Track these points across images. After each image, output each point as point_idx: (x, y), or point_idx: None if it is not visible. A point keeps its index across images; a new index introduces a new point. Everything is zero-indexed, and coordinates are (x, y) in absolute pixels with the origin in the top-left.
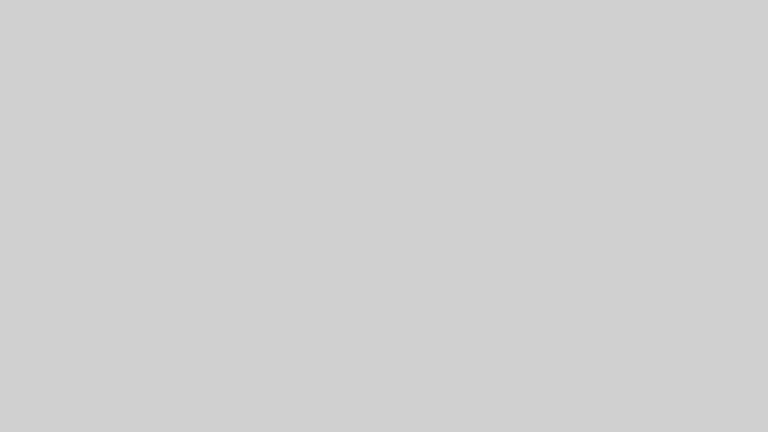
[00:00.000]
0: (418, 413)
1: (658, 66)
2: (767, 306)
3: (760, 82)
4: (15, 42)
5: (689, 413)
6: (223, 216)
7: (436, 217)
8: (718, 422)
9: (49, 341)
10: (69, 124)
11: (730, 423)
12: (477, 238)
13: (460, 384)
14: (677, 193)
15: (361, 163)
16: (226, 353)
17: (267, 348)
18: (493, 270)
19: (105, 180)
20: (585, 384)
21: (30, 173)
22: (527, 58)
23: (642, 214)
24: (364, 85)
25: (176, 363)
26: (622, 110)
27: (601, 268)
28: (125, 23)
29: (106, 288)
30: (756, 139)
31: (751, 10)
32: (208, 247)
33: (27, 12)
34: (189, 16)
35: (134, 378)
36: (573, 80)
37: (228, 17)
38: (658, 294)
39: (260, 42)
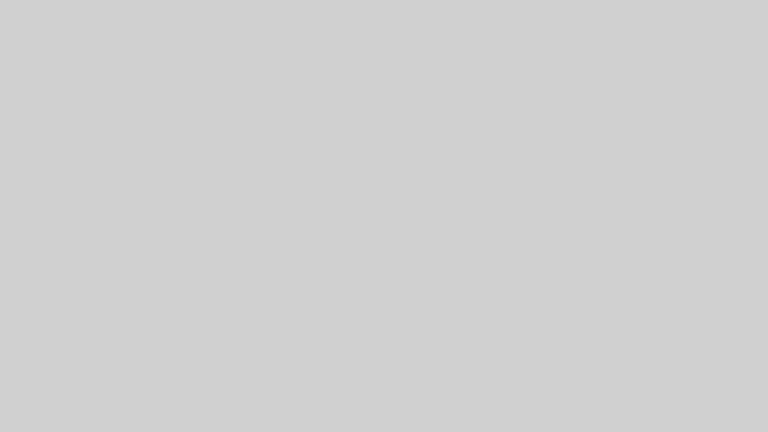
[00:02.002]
0: (418, 413)
1: (658, 66)
2: (767, 306)
3: (760, 82)
4: (15, 42)
5: (689, 413)
6: (223, 216)
7: (436, 218)
8: (718, 422)
9: (49, 341)
10: (69, 124)
11: (730, 423)
12: (477, 238)
13: (460, 384)
14: (677, 193)
15: (361, 163)
16: (226, 353)
17: (267, 348)
18: (493, 271)
19: (105, 180)
20: (585, 384)
21: (30, 173)
22: (527, 58)
23: (642, 214)
24: (364, 85)
25: (176, 363)
26: (622, 110)
27: (601, 268)
28: (125, 23)
29: (106, 288)
30: (756, 139)
31: (751, 10)
32: (209, 248)
33: (27, 12)
34: (189, 16)
35: (134, 378)
36: (573, 80)
37: (228, 17)
38: (659, 294)
39: (260, 42)
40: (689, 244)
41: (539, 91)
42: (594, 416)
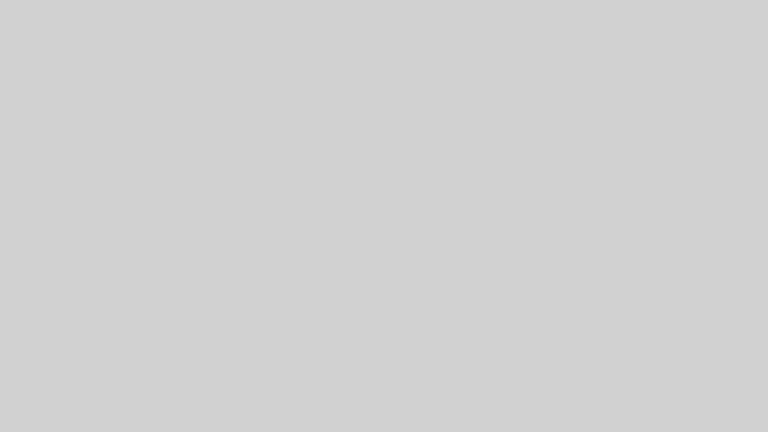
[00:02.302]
0: (418, 413)
1: (658, 66)
2: (767, 306)
3: (760, 82)
4: (15, 42)
5: (689, 413)
6: (223, 217)
7: (436, 218)
8: (718, 422)
9: (49, 341)
10: (69, 124)
11: (730, 423)
12: (477, 239)
13: (460, 384)
14: (677, 193)
15: (361, 163)
16: (226, 354)
17: (267, 348)
18: (493, 271)
19: (105, 180)
20: (585, 384)
21: (30, 173)
22: (527, 58)
23: (642, 214)
24: (364, 85)
25: (176, 363)
26: (622, 110)
27: (601, 269)
28: (125, 23)
29: (106, 288)
30: (756, 139)
31: (751, 10)
32: (208, 248)
33: (27, 12)
34: (189, 16)
35: (134, 378)
36: (573, 80)
37: (228, 17)
38: (658, 295)
39: (260, 42)
40: (689, 245)
41: (539, 91)
42: (594, 416)
